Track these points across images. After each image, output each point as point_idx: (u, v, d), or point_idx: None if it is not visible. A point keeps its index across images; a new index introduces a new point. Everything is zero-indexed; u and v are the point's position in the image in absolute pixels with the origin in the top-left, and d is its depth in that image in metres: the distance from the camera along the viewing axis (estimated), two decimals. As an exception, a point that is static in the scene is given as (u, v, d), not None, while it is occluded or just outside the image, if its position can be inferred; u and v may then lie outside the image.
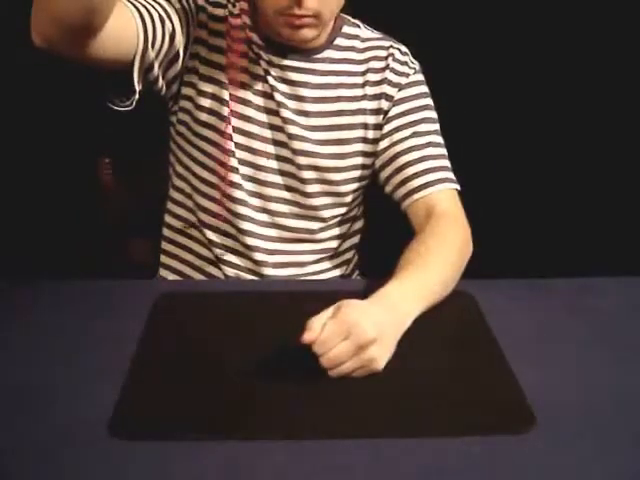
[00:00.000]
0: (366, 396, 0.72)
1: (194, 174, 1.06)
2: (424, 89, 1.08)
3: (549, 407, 0.71)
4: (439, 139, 1.06)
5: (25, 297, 0.92)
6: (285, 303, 0.91)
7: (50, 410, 0.71)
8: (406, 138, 1.04)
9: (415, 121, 1.04)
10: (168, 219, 1.13)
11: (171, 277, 1.12)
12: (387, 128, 1.05)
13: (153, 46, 0.92)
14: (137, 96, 0.93)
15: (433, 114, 1.07)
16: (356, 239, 1.17)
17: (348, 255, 1.16)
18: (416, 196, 1.02)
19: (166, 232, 1.13)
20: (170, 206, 1.12)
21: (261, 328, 0.83)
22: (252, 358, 0.77)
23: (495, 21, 1.64)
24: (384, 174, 1.06)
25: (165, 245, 1.13)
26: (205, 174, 1.04)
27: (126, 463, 0.64)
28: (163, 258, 1.13)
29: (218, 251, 1.07)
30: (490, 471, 0.64)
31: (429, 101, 1.07)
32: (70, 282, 0.94)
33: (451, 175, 1.04)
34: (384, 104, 1.05)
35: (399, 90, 1.05)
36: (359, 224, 1.17)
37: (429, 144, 1.04)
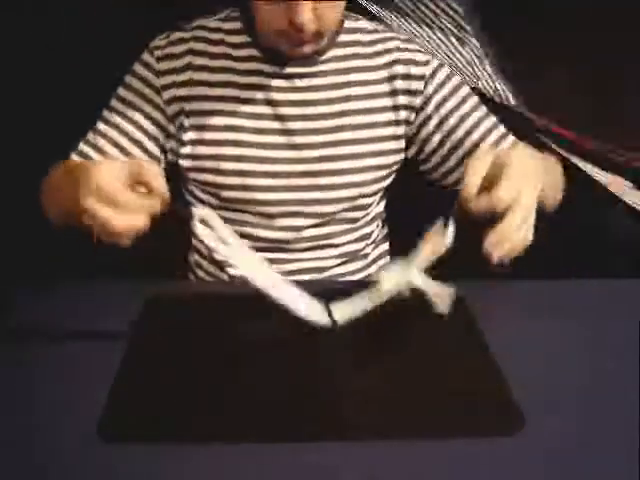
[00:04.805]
0: (360, 398, 0.73)
1: (215, 194, 1.05)
2: (449, 71, 1.06)
3: (546, 408, 0.71)
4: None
5: (25, 297, 0.92)
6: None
7: (46, 410, 0.71)
8: (455, 108, 1.03)
9: (456, 88, 1.04)
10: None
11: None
12: (425, 113, 1.04)
13: (166, 158, 1.03)
14: None
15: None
16: (371, 239, 1.14)
17: (371, 257, 1.14)
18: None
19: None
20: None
21: (259, 329, 0.83)
22: (249, 358, 0.77)
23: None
24: (441, 153, 1.05)
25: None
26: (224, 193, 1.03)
27: (117, 465, 0.64)
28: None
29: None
30: (484, 472, 0.64)
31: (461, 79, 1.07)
32: (70, 282, 0.94)
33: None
34: (405, 99, 1.03)
35: (426, 84, 1.03)
36: (376, 225, 1.15)
37: (477, 106, 1.05)
